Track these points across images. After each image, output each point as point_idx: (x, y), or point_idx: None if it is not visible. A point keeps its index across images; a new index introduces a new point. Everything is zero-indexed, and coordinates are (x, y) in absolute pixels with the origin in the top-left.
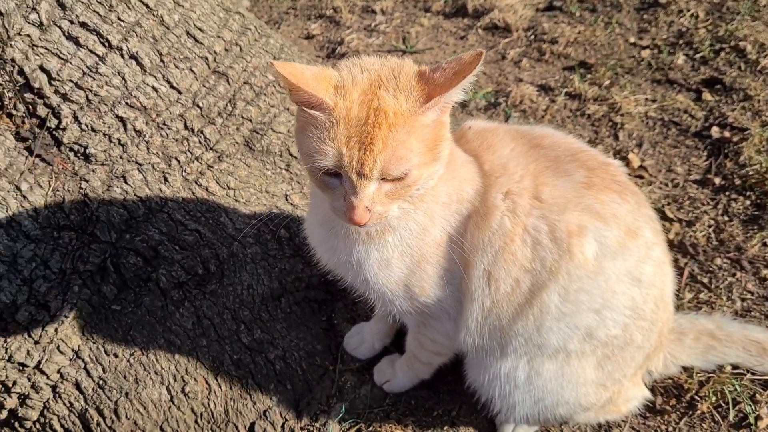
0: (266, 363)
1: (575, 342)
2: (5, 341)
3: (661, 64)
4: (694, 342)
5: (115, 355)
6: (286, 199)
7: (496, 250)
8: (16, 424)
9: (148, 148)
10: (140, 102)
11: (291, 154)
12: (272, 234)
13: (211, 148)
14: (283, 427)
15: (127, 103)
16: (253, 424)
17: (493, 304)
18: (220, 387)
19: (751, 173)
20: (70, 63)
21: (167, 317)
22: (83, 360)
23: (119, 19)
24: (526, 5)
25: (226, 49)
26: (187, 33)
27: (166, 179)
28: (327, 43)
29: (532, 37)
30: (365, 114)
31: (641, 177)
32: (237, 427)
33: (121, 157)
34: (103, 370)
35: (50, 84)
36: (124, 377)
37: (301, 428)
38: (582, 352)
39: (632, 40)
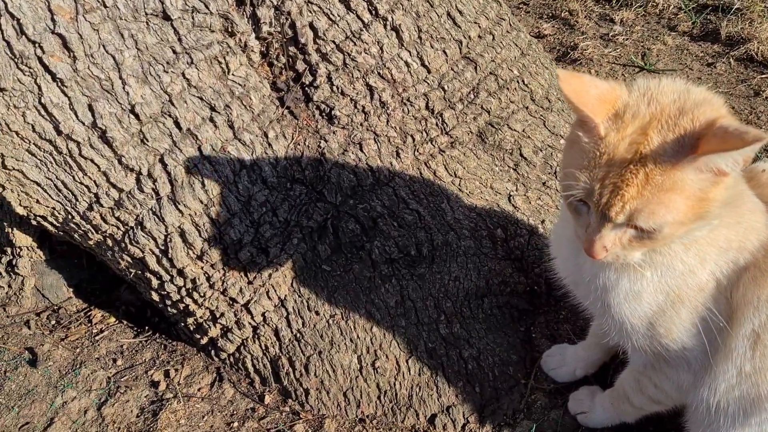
0: (459, 359)
1: None
2: (224, 275)
3: None
4: None
5: (317, 313)
6: (509, 200)
7: None
8: (212, 353)
9: (387, 121)
10: (391, 74)
11: (522, 155)
12: (488, 231)
13: (446, 133)
14: (463, 427)
15: (379, 73)
16: (434, 416)
17: (754, 371)
18: (410, 371)
19: None
20: (337, 25)
21: (372, 289)
22: (287, 309)
23: None
24: None
25: (479, 36)
26: (448, 14)
27: (398, 154)
28: (558, 46)
29: None
30: (630, 156)
31: None
32: (417, 415)
33: (361, 125)
34: (303, 324)
35: (314, 42)
36: (321, 336)
37: None
38: None
39: None
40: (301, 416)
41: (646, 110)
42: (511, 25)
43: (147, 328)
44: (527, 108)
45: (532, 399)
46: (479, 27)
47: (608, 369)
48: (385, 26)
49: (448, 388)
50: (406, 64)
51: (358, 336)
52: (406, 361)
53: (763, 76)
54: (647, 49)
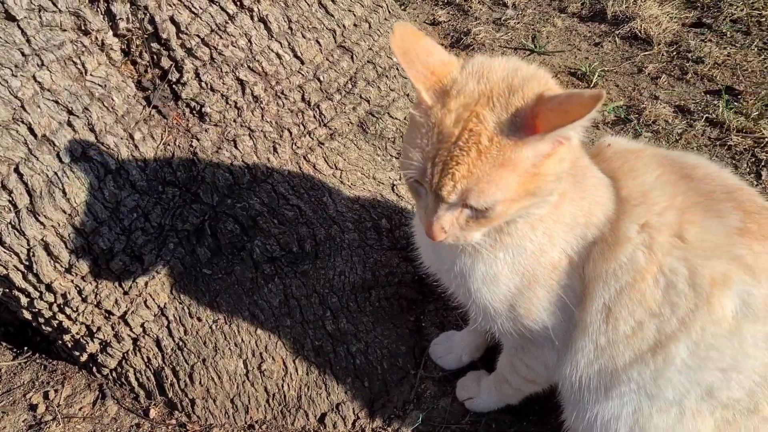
0: (347, 355)
1: (692, 398)
2: (97, 287)
3: None
4: None
5: (199, 319)
6: (393, 189)
7: (621, 285)
8: (94, 369)
9: (262, 116)
10: (262, 67)
11: None
12: (373, 222)
13: (324, 125)
14: (354, 424)
15: (249, 67)
16: (324, 415)
17: (609, 343)
18: (297, 371)
19: None
20: (200, 18)
21: (255, 290)
22: (167, 318)
23: None
24: (672, 18)
25: (355, 24)
26: (320, 2)
27: (275, 150)
28: (453, 32)
29: (675, 53)
30: (458, 132)
31: None
32: (307, 415)
33: (234, 121)
34: (185, 332)
35: (178, 37)
36: (204, 343)
37: (373, 429)
38: (698, 411)
39: None
40: (188, 428)
41: (476, 87)
42: (389, 11)
43: (27, 348)
44: (408, 95)
45: (421, 389)
46: (354, 15)
47: (495, 353)
48: (251, 17)
49: (337, 385)
50: (278, 56)
51: (242, 340)
52: (293, 362)
53: (646, 53)
54: (537, 31)
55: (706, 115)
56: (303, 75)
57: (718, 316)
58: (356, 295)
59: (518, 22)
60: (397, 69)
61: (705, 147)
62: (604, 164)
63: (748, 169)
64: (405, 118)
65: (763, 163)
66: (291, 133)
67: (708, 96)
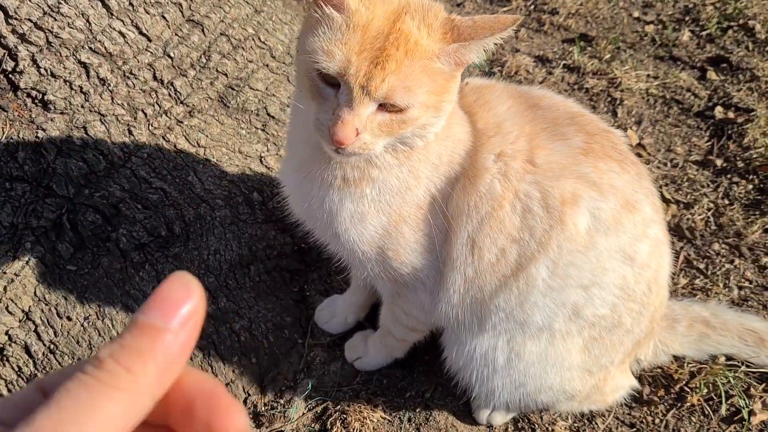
0: (230, 333)
1: (560, 320)
2: None
3: (666, 41)
4: (687, 330)
5: (69, 319)
6: (261, 161)
7: (482, 215)
8: None
9: (112, 98)
10: (105, 48)
11: (268, 114)
12: (244, 197)
13: (181, 102)
14: (245, 402)
15: (90, 48)
16: None
17: (476, 274)
18: None
19: (755, 156)
20: (30, 1)
21: (126, 280)
22: (34, 322)
23: None
24: None
25: None
26: None
27: (130, 132)
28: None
29: (532, 6)
30: (387, 30)
31: (639, 155)
32: None
33: (82, 107)
34: (55, 333)
35: (7, 23)
36: (77, 342)
37: (265, 404)
38: (567, 333)
39: (636, 14)
40: None
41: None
42: None
43: None
44: (268, 66)
45: (311, 357)
46: None
47: (379, 311)
48: None
49: (224, 365)
50: (121, 34)
51: (117, 333)
52: None
53: (505, 8)
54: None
55: (564, 62)
56: (152, 53)
57: (572, 233)
58: (234, 272)
59: None
60: (254, 40)
61: (564, 91)
62: (462, 100)
63: (605, 109)
64: (267, 89)
65: (618, 102)
66: (146, 113)
67: (564, 44)
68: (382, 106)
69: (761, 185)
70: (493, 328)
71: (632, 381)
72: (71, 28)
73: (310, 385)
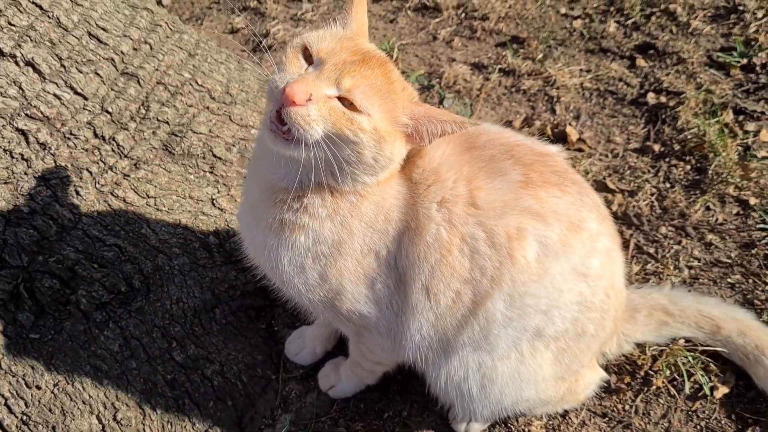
0: (203, 380)
1: (525, 342)
2: None
3: (594, 33)
4: (647, 318)
5: (38, 387)
6: (213, 204)
7: (432, 264)
8: None
9: (55, 162)
10: (42, 112)
11: (215, 155)
12: (200, 242)
13: (125, 156)
14: None
15: (27, 115)
16: None
17: (437, 317)
18: (155, 410)
19: (689, 137)
20: None
21: (91, 341)
22: (2, 396)
23: (9, 23)
24: None
25: (134, 48)
26: (89, 34)
27: (78, 193)
28: (252, 37)
29: (463, 15)
30: (371, 55)
31: (581, 150)
32: None
33: (25, 173)
34: (26, 404)
35: None
36: (50, 410)
37: None
38: (534, 349)
39: (563, 11)
40: None
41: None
42: (171, 29)
43: None
44: (208, 108)
45: (286, 391)
46: (131, 39)
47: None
48: (16, 63)
49: (200, 413)
50: (56, 96)
51: (90, 395)
52: (149, 402)
53: (437, 20)
54: (334, 20)
55: (499, 66)
56: (90, 111)
57: (523, 265)
58: (200, 318)
59: (315, 14)
60: (191, 84)
61: (503, 96)
62: None
63: (544, 108)
64: (210, 131)
65: (555, 100)
66: (91, 172)
67: (498, 48)
68: (342, 98)
69: (698, 165)
70: (460, 360)
71: (601, 374)
72: (5, 96)
73: (287, 421)
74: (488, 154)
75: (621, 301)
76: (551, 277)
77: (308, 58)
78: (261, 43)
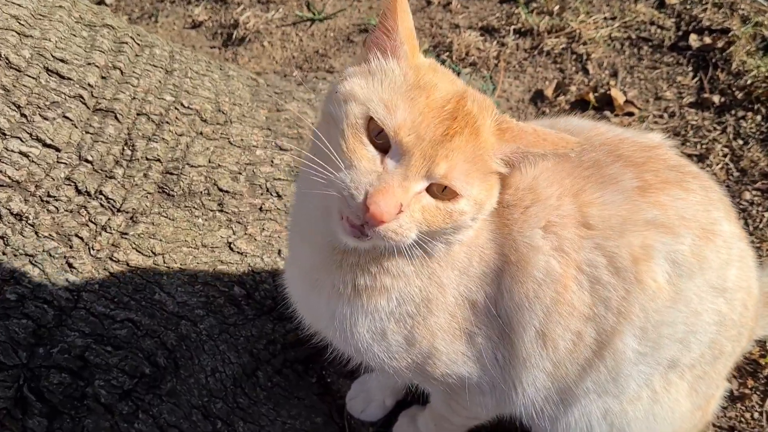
0: None
1: (658, 377)
2: None
3: None
4: (765, 309)
5: None
6: (231, 248)
7: (546, 304)
8: None
9: (36, 233)
10: (9, 176)
11: (221, 189)
12: (225, 296)
13: (118, 210)
14: None
15: None
16: None
17: (556, 366)
18: None
19: (751, 81)
20: None
21: None
22: None
23: None
24: None
25: (103, 77)
26: (47, 69)
27: (71, 265)
28: (219, 29)
29: None
30: (453, 108)
31: (630, 114)
32: None
33: (3, 253)
34: None
35: None
36: None
37: None
38: (668, 383)
39: None
40: None
41: (454, 78)
42: (138, 44)
43: None
44: (202, 133)
45: None
46: (97, 67)
47: None
48: None
49: None
50: (23, 154)
51: None
52: None
53: None
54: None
55: (512, 26)
56: (66, 163)
57: (654, 290)
58: (242, 387)
59: None
60: (176, 108)
61: (525, 61)
62: None
63: (574, 68)
64: (210, 161)
65: (585, 58)
66: (81, 237)
67: (504, 5)
68: (429, 189)
69: None
70: (582, 410)
71: (725, 385)
72: None
73: None
74: (591, 158)
75: (756, 308)
76: (686, 300)
77: (375, 130)
78: (231, 36)
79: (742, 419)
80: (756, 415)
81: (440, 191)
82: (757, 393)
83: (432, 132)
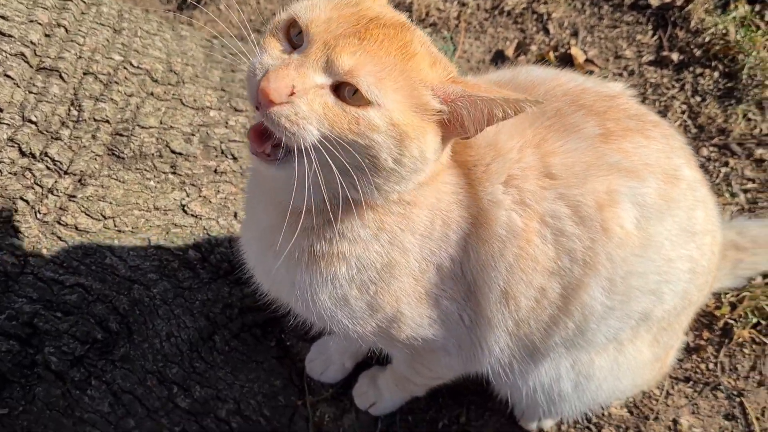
0: (218, 424)
1: (628, 330)
2: None
3: None
4: (720, 262)
5: None
6: (185, 211)
7: (509, 261)
8: None
9: None
10: None
11: (173, 151)
12: (179, 260)
13: (66, 173)
14: None
15: None
16: None
17: (518, 325)
18: None
19: (709, 39)
20: None
21: (74, 406)
22: None
23: None
24: None
25: (47, 35)
26: None
27: (16, 230)
28: None
29: None
30: (382, 23)
31: (591, 73)
32: None
33: None
34: None
35: None
36: None
37: None
38: (635, 335)
39: None
40: None
41: None
42: (84, 1)
43: None
44: (153, 94)
45: (318, 417)
46: (40, 24)
47: None
48: None
49: None
50: None
51: None
52: None
53: None
54: None
55: None
56: (8, 124)
57: (621, 237)
58: (199, 351)
59: None
60: (125, 68)
61: (486, 21)
62: None
63: (535, 28)
64: (161, 122)
65: (546, 18)
66: (27, 201)
67: None
68: (338, 91)
69: (727, 70)
70: (551, 363)
71: (683, 338)
72: None
73: None
74: (553, 108)
75: (719, 255)
76: (657, 245)
77: (299, 36)
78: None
79: (698, 370)
80: (711, 366)
81: (351, 95)
82: (713, 345)
83: (343, 29)
